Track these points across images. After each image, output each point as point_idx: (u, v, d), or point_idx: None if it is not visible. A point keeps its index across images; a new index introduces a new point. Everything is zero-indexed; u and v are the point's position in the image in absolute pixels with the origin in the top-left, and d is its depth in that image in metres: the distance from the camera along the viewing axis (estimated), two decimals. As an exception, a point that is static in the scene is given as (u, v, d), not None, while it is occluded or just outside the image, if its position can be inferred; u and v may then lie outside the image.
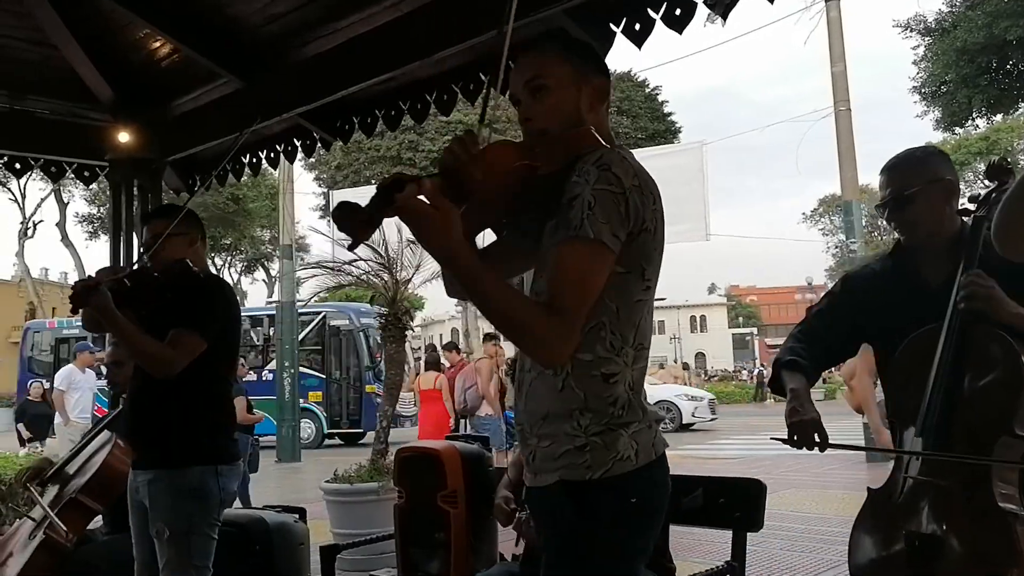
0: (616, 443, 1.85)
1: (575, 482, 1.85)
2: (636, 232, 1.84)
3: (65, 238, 38.90)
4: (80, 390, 11.34)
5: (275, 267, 42.61)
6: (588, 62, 2.01)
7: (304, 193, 39.08)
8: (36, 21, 4.59)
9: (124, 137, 5.17)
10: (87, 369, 11.50)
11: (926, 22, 21.74)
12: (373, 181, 32.69)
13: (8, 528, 4.21)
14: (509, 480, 3.35)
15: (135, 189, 5.47)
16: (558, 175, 1.86)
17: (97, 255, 45.44)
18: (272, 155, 5.56)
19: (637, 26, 3.73)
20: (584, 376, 1.86)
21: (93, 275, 3.33)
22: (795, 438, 2.54)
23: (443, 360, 12.20)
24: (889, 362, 2.63)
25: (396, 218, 1.70)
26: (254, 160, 5.68)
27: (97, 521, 4.21)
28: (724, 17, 3.58)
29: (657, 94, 39.07)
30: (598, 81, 2.00)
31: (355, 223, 1.64)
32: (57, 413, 11.46)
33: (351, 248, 1.70)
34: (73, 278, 46.18)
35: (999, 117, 22.78)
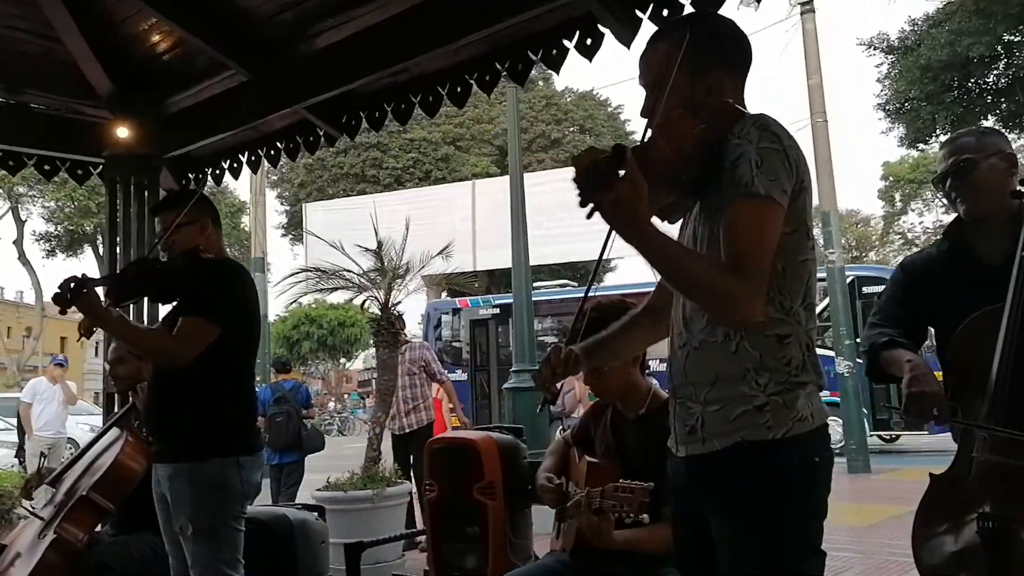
0: (795, 403, 1.87)
1: (759, 442, 1.85)
2: (798, 190, 1.86)
3: (22, 256, 38.08)
4: (45, 402, 11.12)
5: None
6: (706, 56, 1.98)
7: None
8: (42, 13, 4.45)
9: (123, 132, 5.03)
10: (61, 382, 11.26)
11: (889, 40, 22.07)
12: (338, 197, 32.49)
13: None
14: (550, 466, 3.26)
15: (132, 187, 5.32)
16: (712, 149, 1.88)
17: (54, 273, 44.60)
18: (272, 152, 5.44)
19: (665, 12, 3.69)
20: (758, 337, 1.87)
21: (80, 276, 3.13)
22: (911, 409, 2.45)
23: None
24: (949, 343, 2.60)
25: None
26: (252, 158, 5.56)
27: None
28: (757, 0, 3.55)
29: (620, 113, 39.32)
30: (717, 72, 1.99)
31: (594, 186, 1.70)
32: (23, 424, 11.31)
33: (589, 211, 1.73)
34: (30, 297, 45.46)
35: (961, 134, 23.23)
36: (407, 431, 7.79)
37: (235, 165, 5.62)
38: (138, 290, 3.22)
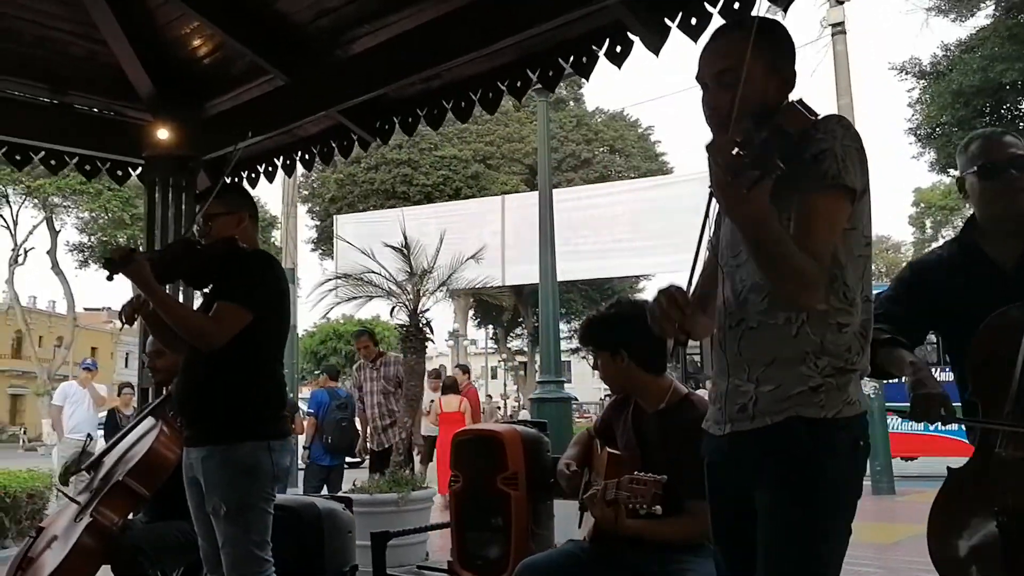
0: (848, 386, 1.96)
1: (811, 419, 1.93)
2: (863, 191, 1.95)
3: (56, 266, 38.65)
4: (75, 405, 11.31)
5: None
6: (782, 52, 2.07)
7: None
8: (87, 15, 4.61)
9: (164, 134, 5.17)
10: (89, 385, 11.44)
11: (921, 65, 22.09)
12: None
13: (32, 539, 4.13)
14: (573, 455, 3.33)
15: (170, 188, 5.46)
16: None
17: (87, 284, 45.11)
18: (307, 156, 5.57)
19: (694, 20, 3.76)
20: (820, 324, 1.95)
21: (131, 246, 3.34)
22: (918, 411, 2.45)
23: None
24: (969, 343, 2.55)
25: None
26: (288, 162, 5.69)
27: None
28: (784, 10, 3.60)
29: (650, 134, 39.51)
30: (788, 72, 2.08)
31: (768, 161, 1.76)
32: (52, 426, 11.58)
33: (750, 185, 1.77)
34: (62, 306, 46.01)
35: (993, 160, 23.08)
36: (386, 447, 7.98)
37: (270, 169, 5.74)
38: (182, 269, 3.33)
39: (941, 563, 2.49)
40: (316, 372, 12.64)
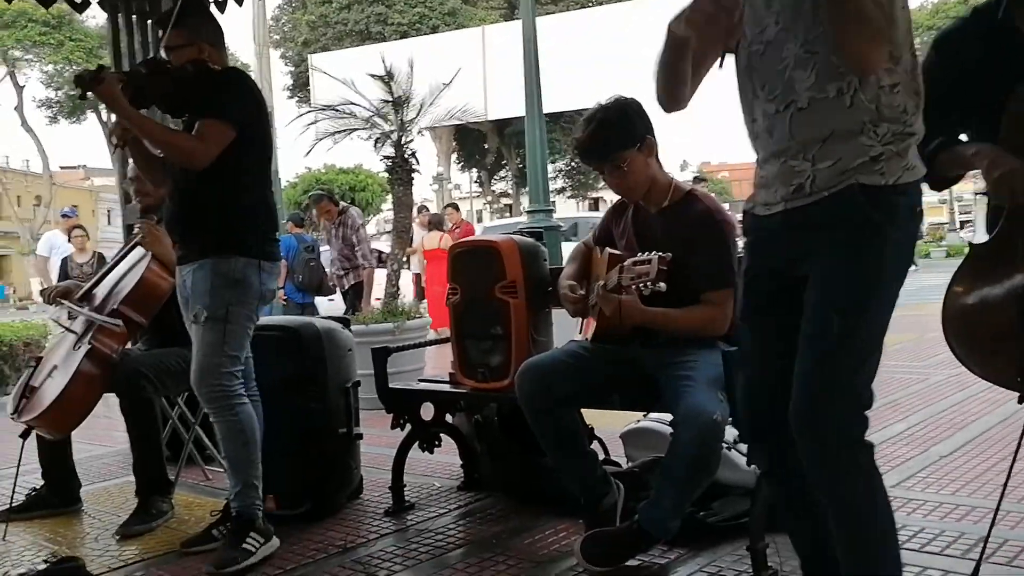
0: (908, 152, 1.93)
1: (871, 186, 1.89)
2: None
3: (25, 123, 37.73)
4: (62, 254, 11.10)
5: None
6: None
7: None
8: None
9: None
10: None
11: None
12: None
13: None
14: (572, 271, 3.29)
15: (134, 15, 5.22)
16: None
17: (60, 141, 44.24)
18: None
19: None
20: (871, 89, 1.90)
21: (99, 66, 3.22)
22: (1003, 190, 2.22)
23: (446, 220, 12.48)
24: (1003, 118, 2.31)
25: None
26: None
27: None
28: None
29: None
30: None
31: None
32: (40, 280, 11.34)
33: None
34: (36, 164, 45.24)
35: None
36: (346, 289, 9.12)
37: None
38: (155, 91, 3.19)
39: (959, 341, 2.39)
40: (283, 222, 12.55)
